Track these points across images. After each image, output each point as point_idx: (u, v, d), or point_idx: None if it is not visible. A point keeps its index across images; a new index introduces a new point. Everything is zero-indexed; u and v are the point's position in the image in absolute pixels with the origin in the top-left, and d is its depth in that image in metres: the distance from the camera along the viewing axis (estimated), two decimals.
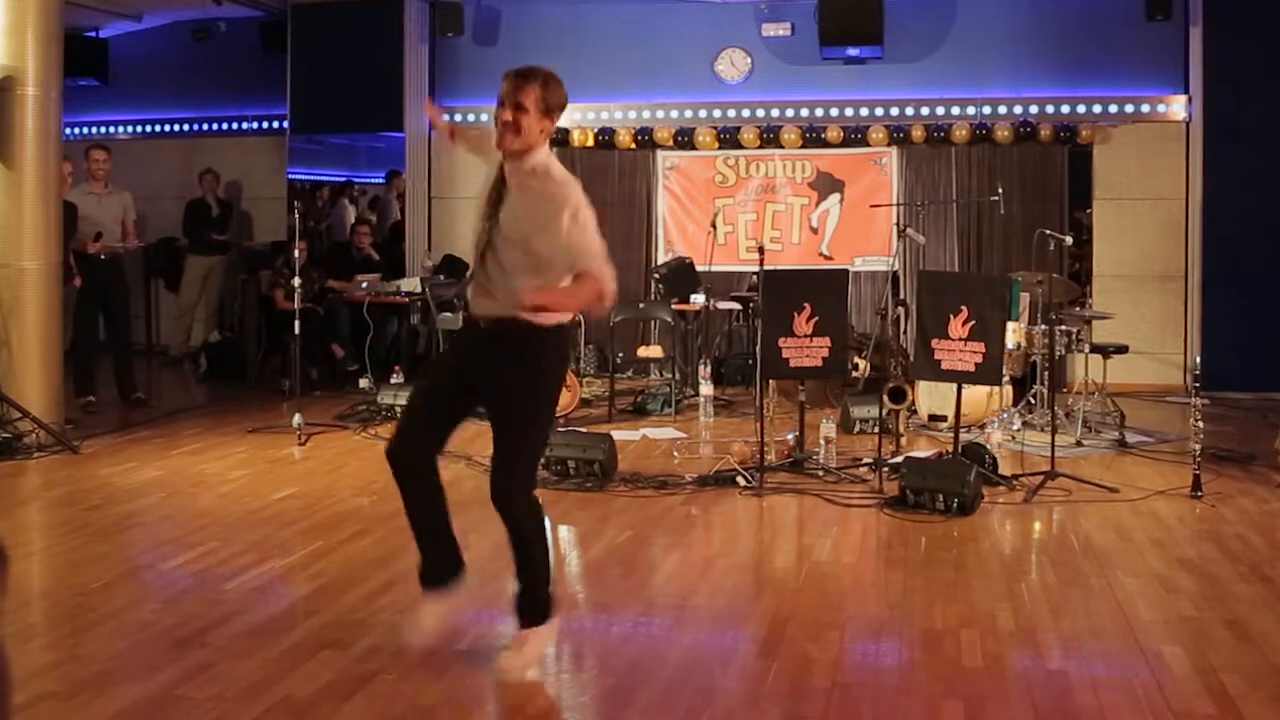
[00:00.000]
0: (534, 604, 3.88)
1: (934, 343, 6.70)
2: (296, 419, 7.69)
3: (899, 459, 6.61)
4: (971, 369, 6.61)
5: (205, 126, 11.99)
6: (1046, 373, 7.71)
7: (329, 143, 12.34)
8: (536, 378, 3.71)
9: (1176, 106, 10.01)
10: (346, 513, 5.93)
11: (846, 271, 8.39)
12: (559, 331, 3.73)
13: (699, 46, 10.76)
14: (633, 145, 10.77)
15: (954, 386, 6.93)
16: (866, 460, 6.91)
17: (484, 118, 11.11)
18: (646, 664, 4.05)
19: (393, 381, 8.74)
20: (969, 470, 6.06)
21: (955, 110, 10.35)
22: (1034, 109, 10.23)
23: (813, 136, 10.46)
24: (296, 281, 7.96)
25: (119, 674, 3.85)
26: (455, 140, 4.39)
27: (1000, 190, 8.72)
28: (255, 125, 11.87)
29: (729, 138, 10.58)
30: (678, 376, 9.14)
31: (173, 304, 11.60)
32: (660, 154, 10.79)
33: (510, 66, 3.80)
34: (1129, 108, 10.08)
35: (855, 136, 10.41)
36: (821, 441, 6.86)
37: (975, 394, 7.60)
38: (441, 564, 3.96)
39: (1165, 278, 10.06)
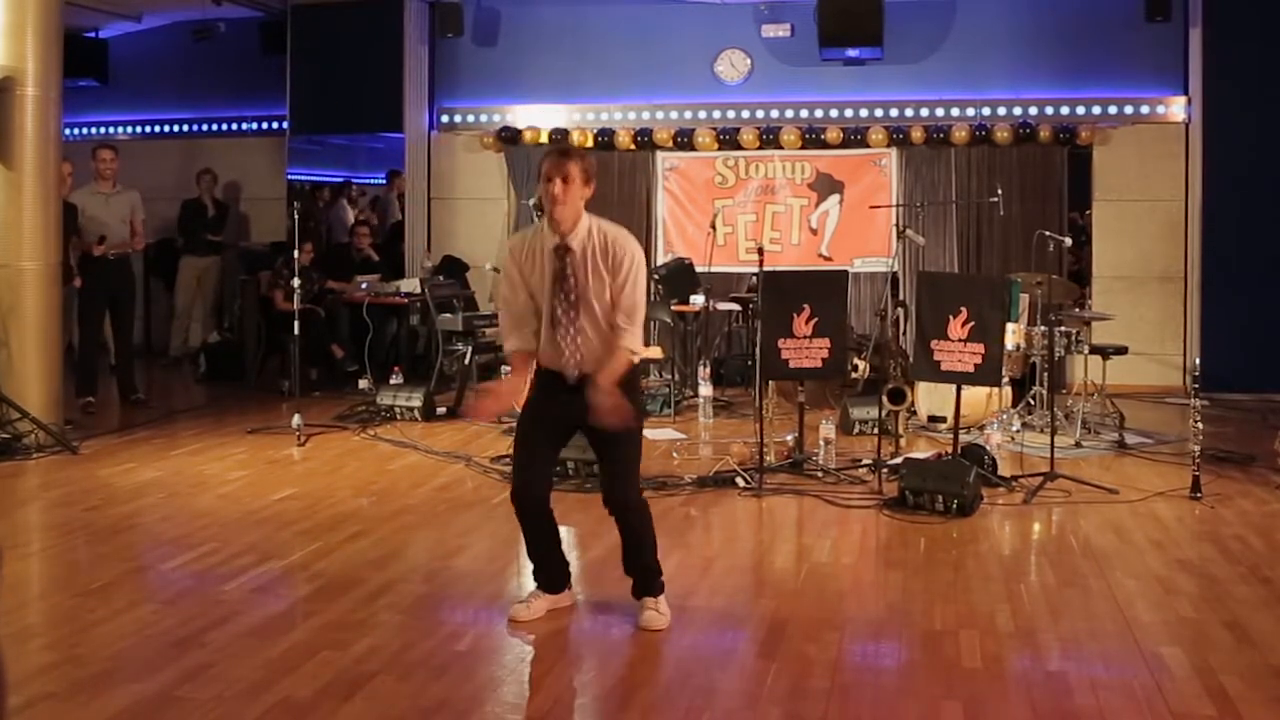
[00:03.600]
0: (651, 577, 4.48)
1: (933, 344, 6.70)
2: (296, 420, 7.69)
3: (898, 460, 6.61)
4: (971, 370, 6.61)
5: (205, 127, 12.00)
6: (1046, 374, 7.71)
7: (329, 143, 12.34)
8: (632, 409, 4.28)
9: (1176, 108, 10.02)
10: (346, 513, 5.93)
11: (846, 272, 8.39)
12: (636, 369, 4.42)
13: (699, 47, 10.77)
14: (632, 146, 10.77)
15: (953, 387, 6.93)
16: (866, 461, 6.91)
17: (483, 118, 11.14)
18: (646, 664, 4.05)
19: (392, 382, 8.73)
20: (968, 471, 6.06)
21: (955, 111, 10.35)
22: (1034, 110, 10.23)
23: (812, 137, 10.46)
24: (296, 282, 7.96)
25: (119, 674, 3.85)
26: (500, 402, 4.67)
27: (1000, 191, 8.72)
28: (255, 126, 11.88)
29: (729, 139, 10.59)
30: (677, 377, 9.14)
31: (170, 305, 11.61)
32: (660, 155, 10.80)
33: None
34: (1129, 109, 10.08)
35: (855, 137, 10.41)
36: (821, 442, 6.86)
37: (975, 395, 7.60)
38: (554, 577, 4.56)
39: (1165, 279, 10.06)
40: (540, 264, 4.31)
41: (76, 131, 11.75)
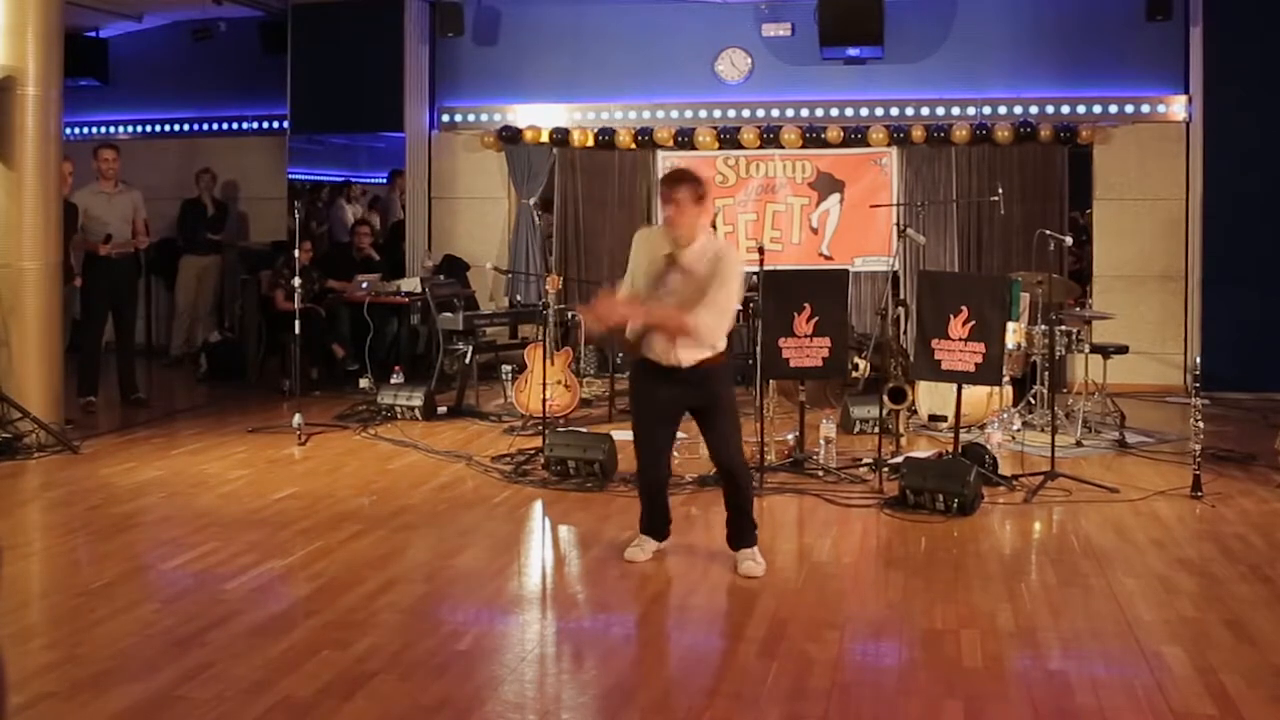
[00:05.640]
0: (749, 530, 5.12)
1: (934, 343, 6.70)
2: (296, 419, 7.69)
3: (899, 459, 6.61)
4: (971, 369, 6.61)
5: (205, 127, 11.99)
6: (1046, 373, 7.71)
7: (329, 143, 12.34)
8: (732, 389, 5.15)
9: (1176, 107, 10.01)
10: (346, 513, 5.93)
11: (846, 272, 8.38)
12: (730, 363, 5.18)
13: (699, 47, 10.76)
14: (633, 145, 10.77)
15: (954, 387, 6.93)
16: (866, 460, 6.91)
17: (483, 117, 11.14)
18: (646, 664, 4.05)
19: (392, 381, 8.74)
20: (969, 470, 6.06)
21: (955, 110, 10.35)
22: (1034, 109, 10.23)
23: (813, 137, 10.45)
24: (297, 282, 7.96)
25: (119, 674, 3.85)
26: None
27: (1000, 190, 8.71)
28: (255, 125, 11.87)
29: (729, 138, 10.58)
30: None
31: (171, 305, 11.61)
32: (660, 154, 10.78)
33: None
34: (1129, 108, 10.08)
35: (855, 137, 10.40)
36: (821, 442, 6.86)
37: (975, 394, 7.60)
38: (659, 527, 5.28)
39: (1165, 278, 10.06)
40: (652, 259, 4.89)
41: (77, 131, 11.75)
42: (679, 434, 7.96)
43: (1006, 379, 7.57)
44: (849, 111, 10.50)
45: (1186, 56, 9.92)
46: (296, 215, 8.24)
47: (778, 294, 6.90)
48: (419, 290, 9.76)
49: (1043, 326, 7.55)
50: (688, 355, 4.89)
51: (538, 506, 6.18)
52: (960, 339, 6.60)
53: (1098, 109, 10.12)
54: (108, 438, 7.74)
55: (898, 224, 8.33)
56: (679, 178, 4.86)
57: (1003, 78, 10.28)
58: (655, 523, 5.26)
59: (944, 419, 7.90)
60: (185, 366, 11.07)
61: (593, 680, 3.90)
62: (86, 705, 3.61)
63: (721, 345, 4.97)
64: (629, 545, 5.25)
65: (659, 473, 5.20)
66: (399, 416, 8.36)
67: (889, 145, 10.40)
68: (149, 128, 12.16)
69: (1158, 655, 4.06)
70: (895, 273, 9.72)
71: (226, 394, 9.60)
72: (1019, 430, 7.68)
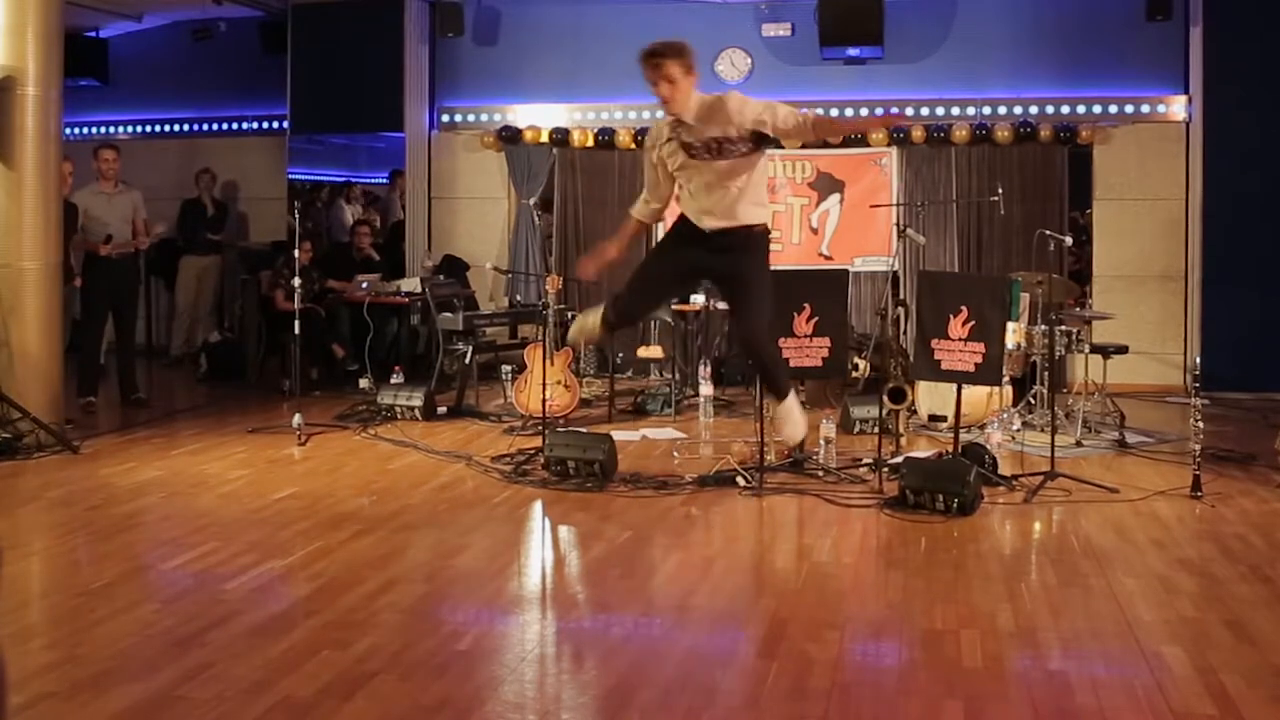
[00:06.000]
0: (779, 392, 5.25)
1: (934, 343, 6.70)
2: (296, 419, 7.69)
3: (899, 459, 6.60)
4: (971, 369, 6.61)
5: (205, 127, 12.00)
6: (1046, 373, 7.71)
7: (329, 143, 12.34)
8: (762, 263, 5.12)
9: (1176, 107, 10.01)
10: (346, 513, 5.93)
11: (846, 272, 8.38)
12: (766, 235, 5.17)
13: (699, 46, 10.45)
14: (633, 145, 10.75)
15: (954, 387, 6.93)
16: (866, 460, 6.91)
17: (483, 117, 11.14)
18: (646, 664, 4.05)
19: (392, 382, 8.74)
20: (969, 470, 6.05)
21: (955, 110, 10.35)
22: (1034, 109, 10.23)
23: None
24: (297, 282, 7.96)
25: (119, 674, 3.85)
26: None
27: (1000, 190, 8.71)
28: (255, 125, 11.87)
29: None
30: (677, 377, 9.14)
31: (171, 305, 11.61)
32: None
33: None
34: (1129, 108, 10.08)
35: (855, 137, 10.40)
36: (821, 442, 6.86)
37: (975, 394, 7.60)
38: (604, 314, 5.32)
39: (1165, 278, 10.06)
40: (668, 140, 5.02)
41: (77, 131, 11.75)
42: (678, 434, 8.05)
43: (1006, 379, 7.57)
44: (849, 112, 10.49)
45: (1186, 56, 9.92)
46: (297, 215, 8.24)
47: (778, 294, 6.85)
48: (419, 290, 9.77)
49: (1043, 326, 7.55)
50: (713, 221, 4.98)
51: (538, 507, 6.19)
52: (960, 339, 6.60)
53: (1098, 109, 10.12)
54: (108, 438, 7.74)
55: (897, 224, 8.33)
56: (663, 51, 4.92)
57: (1003, 78, 10.28)
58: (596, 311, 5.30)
59: (944, 419, 7.90)
60: (185, 366, 11.07)
61: (593, 680, 3.90)
62: (86, 705, 3.61)
63: (754, 218, 5.03)
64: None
65: (631, 313, 5.34)
66: (399, 417, 8.36)
67: (889, 145, 10.40)
68: (149, 128, 12.17)
69: (1158, 655, 4.06)
70: (895, 273, 9.71)
71: (226, 394, 9.60)
72: (1019, 430, 7.68)
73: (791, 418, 5.25)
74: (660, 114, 5.21)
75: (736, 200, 5.00)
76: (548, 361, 7.70)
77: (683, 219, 5.13)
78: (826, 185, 10.60)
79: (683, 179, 5.11)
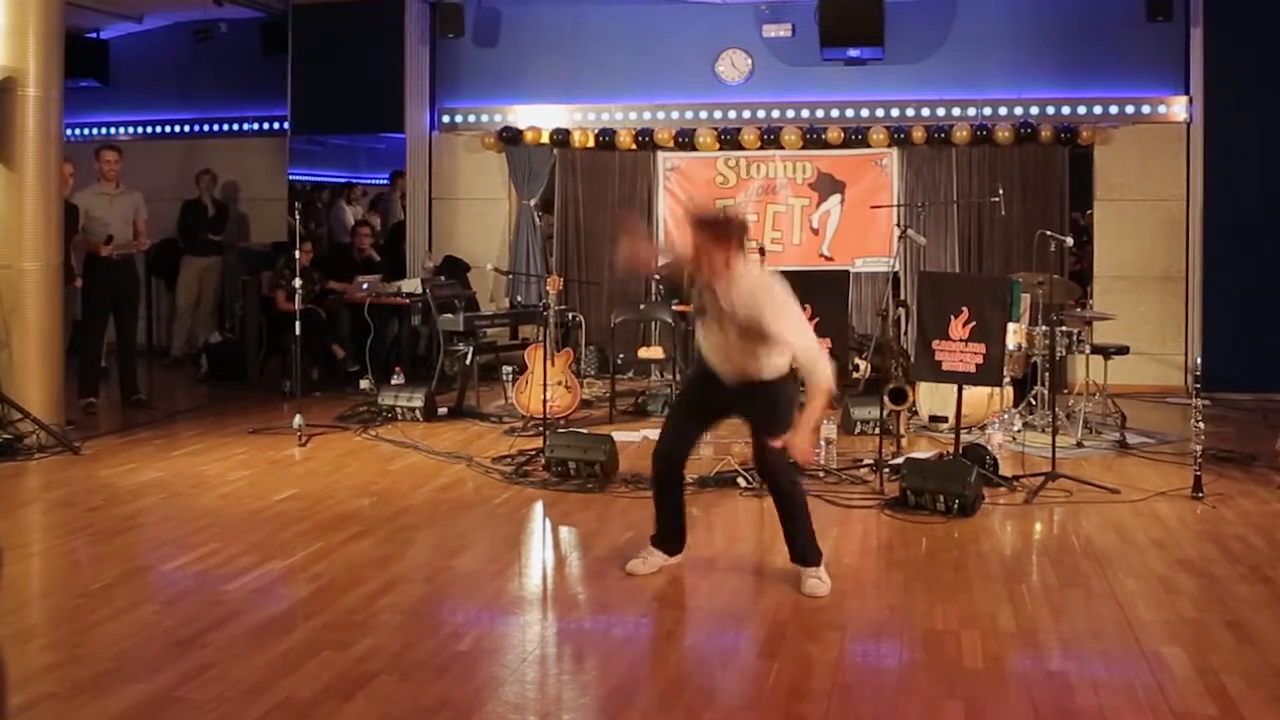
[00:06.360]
0: (803, 545, 4.86)
1: (935, 344, 6.70)
2: (297, 420, 7.69)
3: (900, 460, 6.60)
4: (972, 370, 6.61)
5: (206, 128, 12.00)
6: (1047, 374, 7.71)
7: (329, 143, 12.34)
8: (782, 408, 4.87)
9: (1177, 107, 10.01)
10: (347, 514, 5.93)
11: (847, 272, 8.41)
12: (785, 381, 4.90)
13: (699, 47, 10.77)
14: (633, 146, 10.77)
15: (954, 387, 6.93)
16: (867, 461, 6.91)
17: (484, 118, 11.14)
18: (647, 664, 4.05)
19: (393, 382, 8.74)
20: (970, 471, 6.05)
21: (956, 111, 10.35)
22: (1034, 110, 10.23)
23: (813, 137, 10.46)
24: (297, 283, 7.96)
25: (119, 675, 3.85)
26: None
27: (1001, 191, 8.71)
28: (256, 126, 11.88)
29: (730, 139, 10.58)
30: (678, 377, 9.14)
31: (172, 305, 11.61)
32: (661, 155, 10.79)
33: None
34: (1129, 108, 10.08)
35: (856, 137, 10.41)
36: (822, 442, 6.85)
37: (976, 395, 7.60)
38: (671, 537, 5.06)
39: (1166, 278, 10.05)
40: (694, 284, 4.89)
41: (77, 132, 11.76)
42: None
43: (1007, 380, 7.57)
44: (849, 112, 10.51)
45: (1187, 57, 9.92)
46: (297, 216, 8.24)
47: None
48: (419, 291, 9.77)
49: (1043, 327, 7.55)
50: (731, 376, 4.83)
51: (538, 507, 6.18)
52: (961, 340, 6.60)
53: (1098, 109, 10.12)
54: (108, 439, 7.74)
55: (898, 225, 8.33)
56: (698, 224, 4.77)
57: (1003, 78, 10.28)
58: (665, 530, 5.04)
59: (945, 420, 7.90)
60: (186, 367, 11.06)
61: (593, 681, 3.90)
62: (86, 706, 3.61)
63: (771, 372, 4.79)
64: (634, 555, 5.06)
65: (670, 462, 4.97)
66: (399, 417, 8.36)
67: (889, 146, 10.40)
68: (149, 129, 12.17)
69: (1158, 656, 4.06)
70: (896, 273, 9.72)
71: (227, 395, 9.60)
72: (1020, 431, 7.68)
73: (820, 576, 4.81)
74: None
75: (747, 356, 4.79)
76: (548, 362, 7.71)
77: (703, 360, 5.00)
78: (827, 186, 10.60)
79: (699, 318, 4.99)
